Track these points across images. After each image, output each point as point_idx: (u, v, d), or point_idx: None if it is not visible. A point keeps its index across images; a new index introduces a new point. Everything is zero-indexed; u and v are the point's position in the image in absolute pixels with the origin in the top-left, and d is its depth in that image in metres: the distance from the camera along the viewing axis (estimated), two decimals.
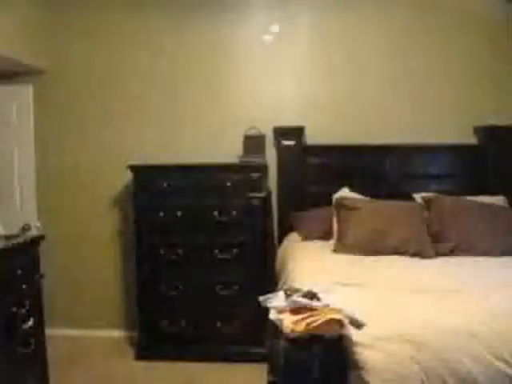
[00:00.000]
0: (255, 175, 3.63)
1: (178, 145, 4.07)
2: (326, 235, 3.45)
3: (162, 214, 3.61)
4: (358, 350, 1.87)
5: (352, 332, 1.91)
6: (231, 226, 3.61)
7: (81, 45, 4.11)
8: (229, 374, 3.41)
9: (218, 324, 3.64)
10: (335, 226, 3.39)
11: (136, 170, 3.68)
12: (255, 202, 3.61)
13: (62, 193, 4.17)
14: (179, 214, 3.61)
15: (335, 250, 3.18)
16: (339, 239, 3.24)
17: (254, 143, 3.97)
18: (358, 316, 1.93)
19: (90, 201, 4.17)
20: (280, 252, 3.63)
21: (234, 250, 3.60)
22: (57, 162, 4.15)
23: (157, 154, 3.95)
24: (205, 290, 3.64)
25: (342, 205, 3.45)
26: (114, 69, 4.12)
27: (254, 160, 3.78)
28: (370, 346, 1.86)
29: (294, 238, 3.60)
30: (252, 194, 3.61)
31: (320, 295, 2.05)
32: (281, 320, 1.97)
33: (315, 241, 3.43)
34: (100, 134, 4.14)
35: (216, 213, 3.59)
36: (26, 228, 3.10)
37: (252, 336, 3.53)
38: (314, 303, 1.99)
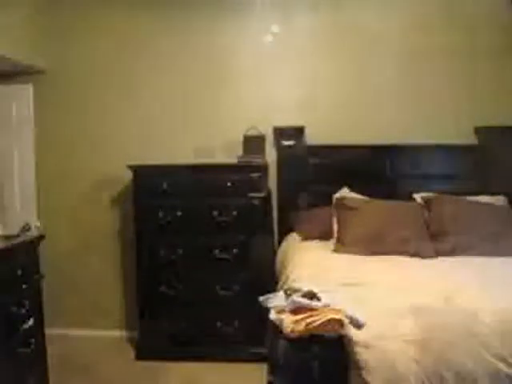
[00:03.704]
0: (255, 175, 3.62)
1: (177, 144, 4.06)
2: (325, 235, 3.44)
3: (161, 214, 3.61)
4: (357, 349, 1.87)
5: (352, 332, 1.92)
6: (231, 226, 3.60)
7: (81, 44, 4.10)
8: (229, 374, 3.41)
9: (218, 324, 3.63)
10: (335, 226, 3.39)
11: (136, 169, 3.67)
12: (255, 202, 3.61)
13: (62, 193, 4.17)
14: (179, 214, 3.60)
15: (335, 250, 3.18)
16: (339, 239, 3.24)
17: (253, 143, 3.97)
18: (359, 316, 1.94)
19: (90, 200, 4.17)
20: (280, 252, 3.63)
21: (234, 250, 3.60)
22: (57, 162, 4.15)
23: (156, 153, 3.95)
24: (204, 289, 3.64)
25: (341, 205, 3.45)
26: (114, 68, 4.12)
27: (254, 160, 3.78)
28: (371, 346, 1.86)
29: (293, 238, 3.59)
30: (252, 194, 3.60)
31: (320, 295, 2.05)
32: (281, 320, 1.98)
33: (315, 241, 3.43)
34: (100, 134, 4.14)
35: (216, 213, 3.59)
36: (25, 228, 3.10)
37: (252, 336, 3.53)
38: (314, 303, 1.99)
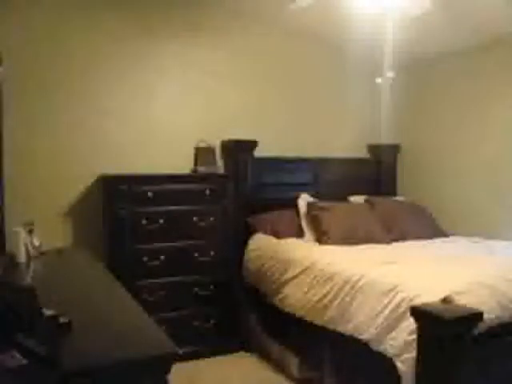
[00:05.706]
0: (218, 184, 3.95)
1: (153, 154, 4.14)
2: (296, 233, 3.94)
3: (144, 221, 3.70)
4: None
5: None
6: (209, 230, 3.88)
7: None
8: (228, 371, 3.53)
9: (206, 325, 3.84)
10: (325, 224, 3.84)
11: (114, 179, 3.69)
12: (227, 208, 3.95)
13: (40, 198, 3.76)
14: (161, 221, 3.75)
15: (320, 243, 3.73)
16: (324, 234, 3.79)
17: (205, 154, 4.29)
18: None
19: (69, 209, 3.89)
20: (252, 250, 3.91)
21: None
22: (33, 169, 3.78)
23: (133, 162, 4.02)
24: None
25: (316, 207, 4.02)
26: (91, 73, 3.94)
27: (211, 171, 4.15)
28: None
29: (264, 237, 3.92)
30: (223, 200, 3.94)
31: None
32: None
33: (292, 238, 3.84)
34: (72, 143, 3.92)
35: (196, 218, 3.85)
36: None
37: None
38: None
